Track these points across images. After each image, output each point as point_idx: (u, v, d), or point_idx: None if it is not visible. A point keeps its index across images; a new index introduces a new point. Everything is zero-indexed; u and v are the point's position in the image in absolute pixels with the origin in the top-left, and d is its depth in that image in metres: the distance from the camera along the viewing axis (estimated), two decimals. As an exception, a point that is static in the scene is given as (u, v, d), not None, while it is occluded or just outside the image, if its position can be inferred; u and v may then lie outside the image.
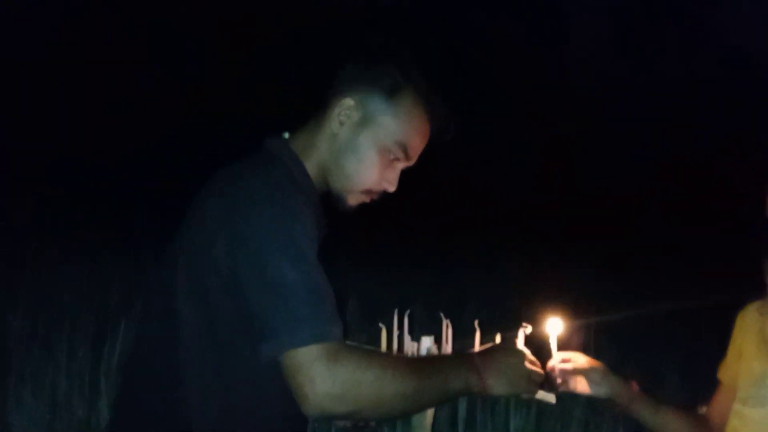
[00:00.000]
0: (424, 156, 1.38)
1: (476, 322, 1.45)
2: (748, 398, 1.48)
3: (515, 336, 1.41)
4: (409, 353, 1.45)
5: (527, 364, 1.31)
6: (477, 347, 1.46)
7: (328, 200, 1.36)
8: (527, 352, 1.34)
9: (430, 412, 1.47)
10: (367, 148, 1.31)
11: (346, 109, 1.31)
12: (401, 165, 1.35)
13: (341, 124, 1.32)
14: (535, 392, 1.35)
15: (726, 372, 1.58)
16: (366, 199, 1.36)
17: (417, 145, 1.35)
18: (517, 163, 11.60)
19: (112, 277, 5.33)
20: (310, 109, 1.38)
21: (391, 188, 1.36)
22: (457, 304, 5.16)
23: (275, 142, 1.35)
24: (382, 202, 1.39)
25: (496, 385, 1.26)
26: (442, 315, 1.48)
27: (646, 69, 13.89)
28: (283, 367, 1.10)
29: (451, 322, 1.48)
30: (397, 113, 1.32)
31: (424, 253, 7.43)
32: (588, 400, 3.47)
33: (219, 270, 1.16)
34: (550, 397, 1.47)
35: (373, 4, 13.27)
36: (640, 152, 11.76)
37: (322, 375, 1.07)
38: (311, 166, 1.33)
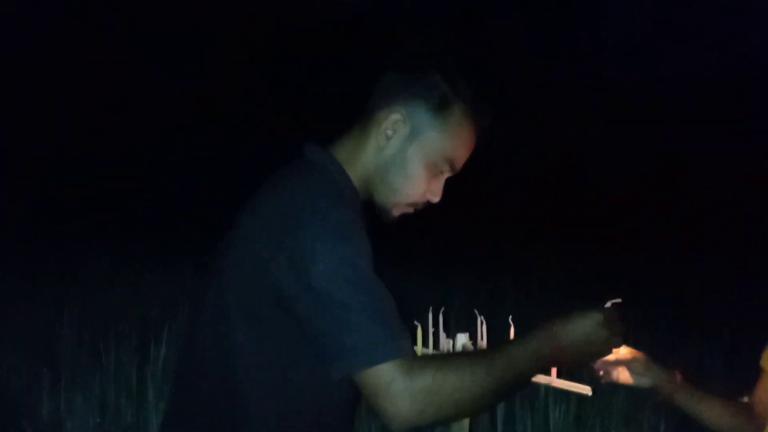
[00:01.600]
0: (468, 163, 1.36)
1: (510, 318, 1.47)
2: None
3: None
4: (444, 350, 1.49)
5: (604, 327, 1.18)
6: None
7: (371, 209, 1.35)
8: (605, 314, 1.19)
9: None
10: (415, 162, 1.30)
11: (393, 123, 1.29)
12: (446, 176, 1.35)
13: (388, 138, 1.30)
14: (618, 346, 1.22)
15: None
16: (410, 210, 1.36)
17: (463, 157, 1.34)
18: (550, 166, 11.49)
19: (153, 285, 5.46)
20: (350, 117, 1.36)
21: (436, 199, 1.35)
22: (493, 303, 5.18)
23: (317, 150, 1.33)
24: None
25: (573, 358, 1.20)
26: (476, 312, 1.50)
27: (652, 69, 13.68)
28: (361, 386, 1.12)
29: (487, 319, 1.50)
30: (446, 128, 1.30)
31: (460, 254, 7.44)
32: (628, 394, 3.45)
33: (273, 291, 1.16)
34: (586, 390, 1.48)
35: (376, 8, 13.16)
36: (664, 143, 11.59)
37: (402, 392, 1.09)
38: (355, 177, 1.32)
